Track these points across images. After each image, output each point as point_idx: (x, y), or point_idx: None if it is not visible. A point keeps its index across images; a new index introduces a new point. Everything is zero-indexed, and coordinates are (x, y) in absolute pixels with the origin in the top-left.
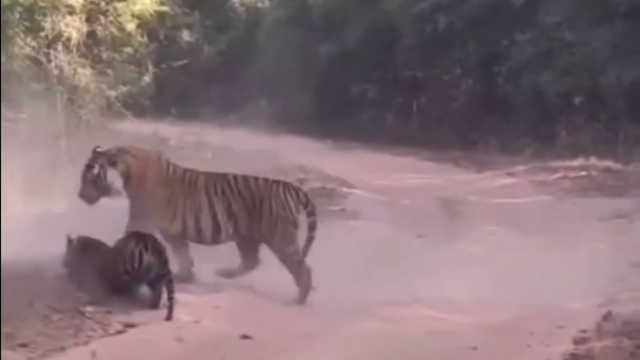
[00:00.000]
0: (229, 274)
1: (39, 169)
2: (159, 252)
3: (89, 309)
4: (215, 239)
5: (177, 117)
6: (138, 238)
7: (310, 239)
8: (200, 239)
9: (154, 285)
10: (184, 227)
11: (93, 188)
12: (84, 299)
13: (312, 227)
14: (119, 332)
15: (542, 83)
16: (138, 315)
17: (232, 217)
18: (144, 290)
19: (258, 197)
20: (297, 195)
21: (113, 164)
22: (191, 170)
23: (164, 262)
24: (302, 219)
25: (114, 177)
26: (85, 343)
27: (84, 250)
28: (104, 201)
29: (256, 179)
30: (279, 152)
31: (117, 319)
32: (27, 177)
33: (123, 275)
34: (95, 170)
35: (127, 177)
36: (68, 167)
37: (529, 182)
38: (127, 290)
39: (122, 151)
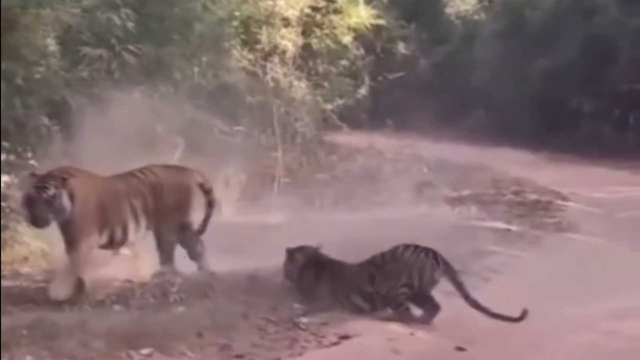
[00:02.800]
0: None
1: (254, 180)
2: (452, 271)
3: (304, 320)
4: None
5: (393, 129)
6: (426, 252)
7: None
8: (123, 243)
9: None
10: (111, 237)
11: (48, 210)
12: (299, 310)
13: (210, 205)
14: (334, 344)
15: None
16: (352, 327)
17: (149, 212)
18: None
19: (164, 184)
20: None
21: (64, 185)
22: (112, 178)
23: (457, 281)
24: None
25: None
26: (300, 354)
27: (311, 263)
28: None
29: (163, 167)
30: (494, 164)
31: (332, 330)
32: (241, 187)
33: (400, 287)
34: (51, 192)
35: (72, 197)
36: (283, 179)
37: None
38: (395, 303)
39: (66, 172)
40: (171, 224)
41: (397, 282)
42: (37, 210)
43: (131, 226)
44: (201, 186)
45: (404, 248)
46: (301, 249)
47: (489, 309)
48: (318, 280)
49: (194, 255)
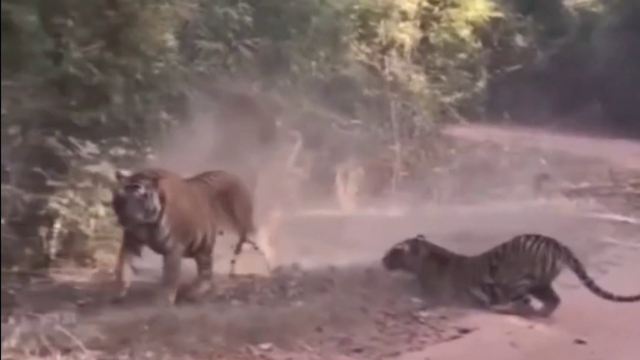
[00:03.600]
0: None
1: (372, 174)
2: (574, 260)
3: (423, 314)
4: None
5: (510, 122)
6: (547, 242)
7: None
8: (202, 250)
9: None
10: (191, 243)
11: (139, 210)
12: (417, 304)
13: None
14: (453, 338)
15: None
16: (471, 320)
17: (221, 218)
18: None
19: (228, 191)
20: None
21: (155, 185)
22: (190, 182)
23: (579, 269)
24: None
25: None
26: (419, 348)
27: (435, 256)
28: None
29: (219, 172)
30: (612, 156)
31: (452, 324)
32: (359, 181)
33: (521, 279)
34: (142, 191)
35: (162, 199)
36: (401, 173)
37: None
38: (515, 294)
39: (156, 172)
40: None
41: (518, 273)
42: (128, 209)
43: (209, 232)
44: None
45: (525, 238)
46: (419, 241)
47: (612, 294)
48: (441, 273)
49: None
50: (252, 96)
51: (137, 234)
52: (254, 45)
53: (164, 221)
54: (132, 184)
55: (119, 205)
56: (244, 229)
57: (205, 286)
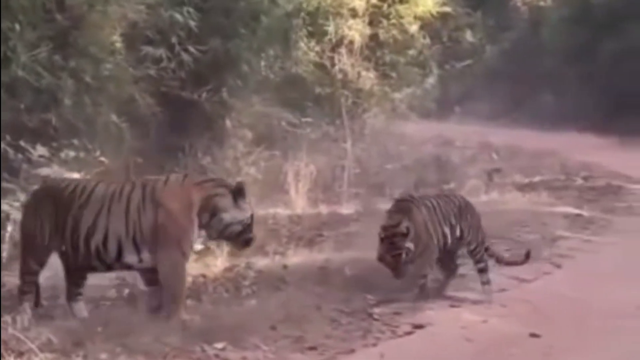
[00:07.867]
0: None
1: (324, 172)
2: None
3: (377, 310)
4: None
5: (461, 117)
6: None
7: None
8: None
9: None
10: None
11: None
12: (371, 300)
13: None
14: (408, 333)
15: None
16: (425, 316)
17: None
18: None
19: None
20: None
21: None
22: None
23: None
24: None
25: None
26: (374, 345)
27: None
28: None
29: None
30: (563, 149)
31: (406, 320)
32: (311, 179)
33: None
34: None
35: None
36: (353, 170)
37: None
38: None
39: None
40: None
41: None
42: None
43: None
44: None
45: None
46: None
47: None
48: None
49: None
50: (200, 99)
51: None
52: (197, 52)
53: None
54: None
55: None
56: None
57: None
